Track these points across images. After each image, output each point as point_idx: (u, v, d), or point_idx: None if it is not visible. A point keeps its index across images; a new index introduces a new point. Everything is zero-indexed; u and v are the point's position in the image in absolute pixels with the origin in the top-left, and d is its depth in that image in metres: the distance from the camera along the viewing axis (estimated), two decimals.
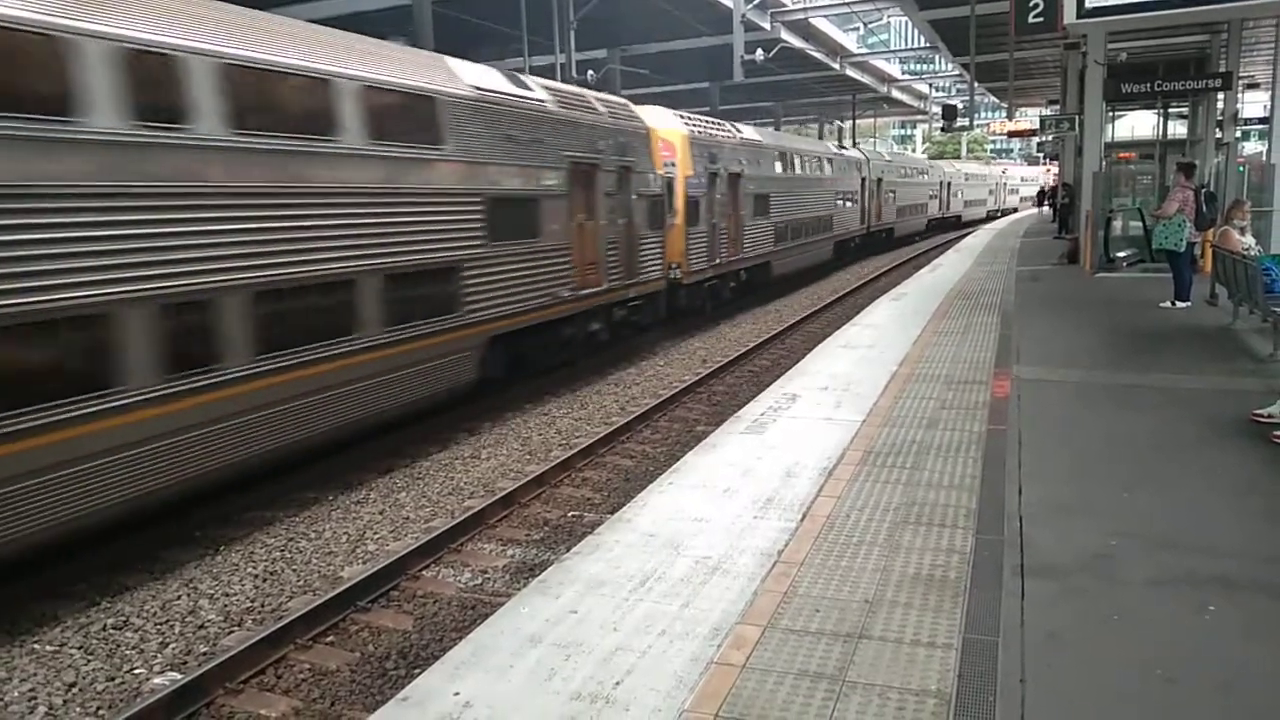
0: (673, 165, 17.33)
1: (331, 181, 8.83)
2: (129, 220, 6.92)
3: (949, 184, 49.48)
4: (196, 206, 7.44)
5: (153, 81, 7.16)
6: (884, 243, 36.94)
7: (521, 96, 12.24)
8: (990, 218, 56.28)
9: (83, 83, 6.59)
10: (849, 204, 30.94)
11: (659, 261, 16.39)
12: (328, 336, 8.80)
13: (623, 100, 16.80)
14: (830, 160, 29.24)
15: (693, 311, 18.89)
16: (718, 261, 19.47)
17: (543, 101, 12.76)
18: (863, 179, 32.60)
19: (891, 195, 37.17)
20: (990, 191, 62.76)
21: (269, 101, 8.43)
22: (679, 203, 17.44)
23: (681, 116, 18.91)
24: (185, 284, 7.32)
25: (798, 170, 25.41)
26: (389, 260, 9.47)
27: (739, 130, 21.76)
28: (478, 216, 10.95)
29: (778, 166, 23.72)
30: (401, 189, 9.73)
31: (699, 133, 18.73)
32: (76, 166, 6.58)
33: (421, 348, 10.04)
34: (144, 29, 7.13)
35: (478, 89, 11.22)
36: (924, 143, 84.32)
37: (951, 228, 48.66)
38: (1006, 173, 71.32)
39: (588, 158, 13.63)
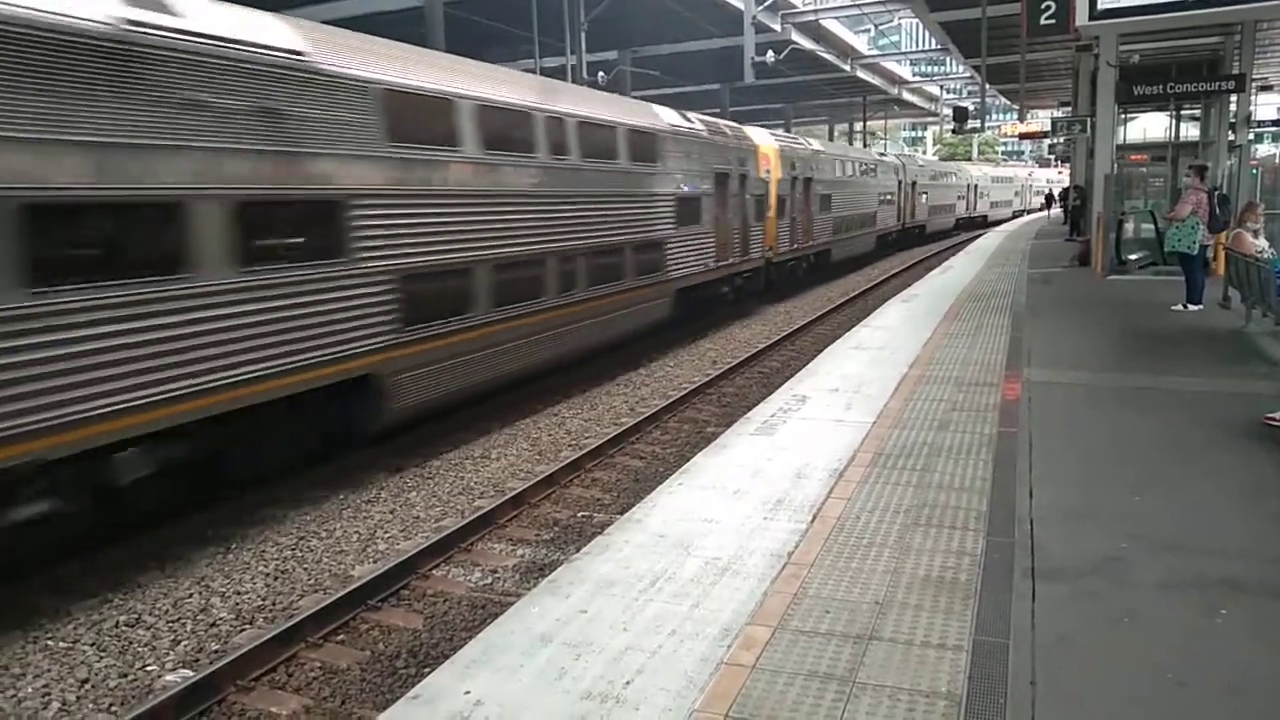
0: (768, 172, 21.45)
1: (611, 186, 14.18)
2: (491, 209, 11.08)
3: (976, 186, 53.51)
4: (535, 203, 12.07)
5: (503, 126, 11.41)
6: (917, 238, 40.67)
7: (690, 128, 17.41)
8: (1016, 216, 59.87)
9: (461, 126, 10.49)
10: (889, 204, 34.99)
11: (760, 245, 21.18)
12: (609, 280, 14.09)
13: (737, 125, 21.40)
14: (875, 166, 33.40)
15: (780, 283, 23.68)
16: (796, 247, 24.16)
17: (699, 130, 17.84)
18: (899, 182, 36.64)
19: (924, 197, 41.29)
20: (1016, 193, 66.26)
21: (591, 139, 13.49)
22: (772, 200, 21.76)
23: (774, 134, 23.95)
24: (525, 249, 11.80)
25: (850, 175, 29.44)
26: (636, 236, 14.94)
27: (810, 143, 26.78)
28: (672, 210, 16.14)
29: (837, 172, 27.85)
30: (639, 192, 15.10)
31: (785, 147, 23.36)
32: (463, 176, 10.61)
33: (649, 291, 15.48)
34: (498, 93, 11.46)
35: (671, 124, 16.54)
36: (934, 144, 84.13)
37: (978, 226, 51.17)
38: (1033, 175, 74.51)
39: (723, 168, 18.57)
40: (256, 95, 7.79)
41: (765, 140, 22.16)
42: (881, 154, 39.18)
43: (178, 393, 7.14)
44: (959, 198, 49.59)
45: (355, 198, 8.88)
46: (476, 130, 10.69)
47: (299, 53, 8.31)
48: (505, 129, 11.38)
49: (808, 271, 26.06)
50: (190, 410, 7.28)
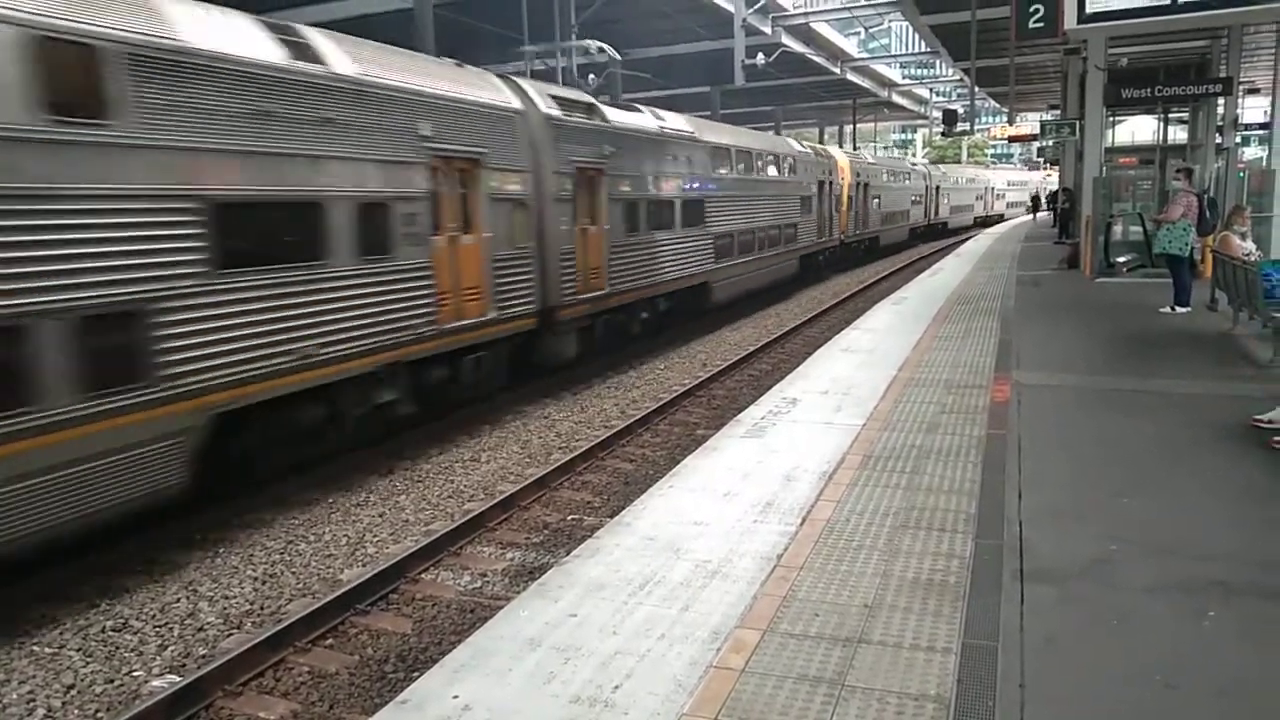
0: (842, 179, 30.01)
1: (779, 189, 23.51)
2: (731, 209, 19.93)
3: (993, 188, 62.75)
4: (744, 200, 20.72)
5: (738, 160, 20.42)
6: (940, 232, 47.89)
7: (800, 149, 26.41)
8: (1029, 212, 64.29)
9: (703, 160, 18.26)
10: (918, 203, 43.37)
11: (837, 230, 29.86)
12: (773, 247, 22.86)
13: (824, 147, 31.53)
14: (909, 173, 42.71)
15: (846, 259, 32.23)
16: (858, 232, 32.99)
17: (809, 153, 27.18)
18: (926, 186, 44.78)
19: (946, 198, 49.60)
20: (1031, 196, 68.30)
21: (767, 161, 22.89)
22: (845, 199, 30.55)
23: (845, 150, 36.66)
24: (745, 227, 20.82)
25: (893, 181, 38.34)
26: (786, 221, 24.01)
27: (866, 156, 38.63)
28: (800, 203, 25.28)
29: (884, 178, 36.64)
30: (788, 194, 24.39)
31: (852, 160, 32.86)
32: (731, 189, 20.21)
33: (789, 255, 24.53)
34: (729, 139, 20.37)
35: (799, 150, 26.11)
36: (924, 147, 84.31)
37: (995, 223, 56.57)
38: (1049, 177, 75.78)
39: (821, 178, 27.28)
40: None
41: (840, 156, 31.47)
42: (914, 164, 49.01)
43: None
44: (977, 198, 58.75)
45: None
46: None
47: (694, 135, 16.68)
48: (709, 157, 18.94)
49: (865, 251, 35.00)
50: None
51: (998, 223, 54.56)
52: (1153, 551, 4.83)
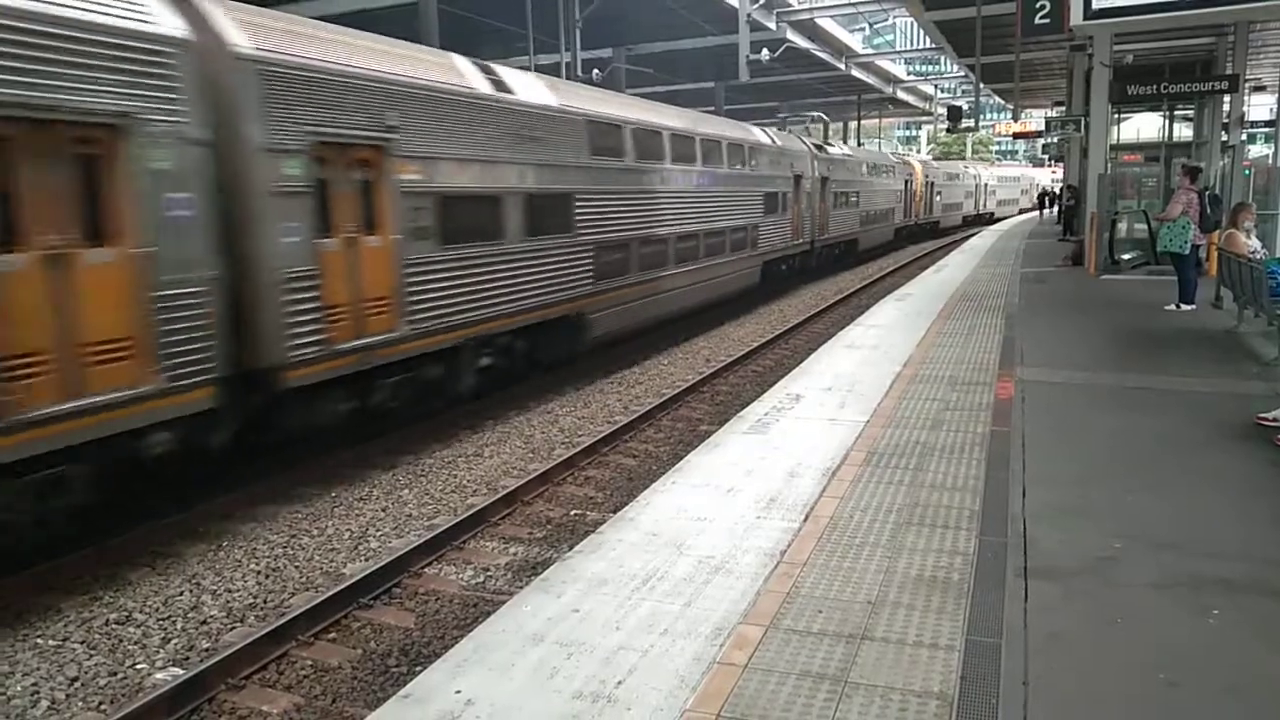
0: (914, 179, 40.89)
1: (881, 185, 35.11)
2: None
3: (1036, 182, 72.05)
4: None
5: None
6: (986, 221, 54.41)
7: (896, 161, 39.23)
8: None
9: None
10: (970, 197, 54.63)
11: (911, 215, 40.80)
12: (877, 223, 34.65)
13: (905, 155, 44.98)
14: (961, 174, 53.30)
15: (917, 233, 43.21)
16: (924, 216, 43.82)
17: (898, 162, 39.06)
18: (976, 184, 55.83)
19: (994, 193, 60.57)
20: (1040, 193, 71.85)
21: (879, 169, 35.19)
22: (918, 190, 41.70)
23: (920, 157, 50.65)
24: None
25: (949, 180, 49.54)
26: (884, 207, 35.73)
27: (934, 162, 51.55)
28: (900, 195, 38.07)
29: (943, 178, 47.86)
30: (895, 190, 37.34)
31: (922, 164, 44.47)
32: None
33: (886, 230, 36.49)
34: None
35: (895, 159, 39.48)
36: (929, 144, 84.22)
37: (987, 222, 59.39)
38: (1055, 174, 78.40)
39: (904, 176, 38.68)
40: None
41: (914, 162, 43.56)
42: (966, 165, 58.88)
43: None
44: (1023, 192, 69.00)
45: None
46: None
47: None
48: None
49: (927, 231, 44.86)
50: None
51: (989, 222, 54.49)
52: (1157, 548, 4.82)
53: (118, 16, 6.86)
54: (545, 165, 12.35)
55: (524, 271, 11.90)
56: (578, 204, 13.26)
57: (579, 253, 13.37)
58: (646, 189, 15.67)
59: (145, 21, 7.07)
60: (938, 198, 45.68)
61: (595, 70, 28.08)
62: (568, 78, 22.16)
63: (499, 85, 11.56)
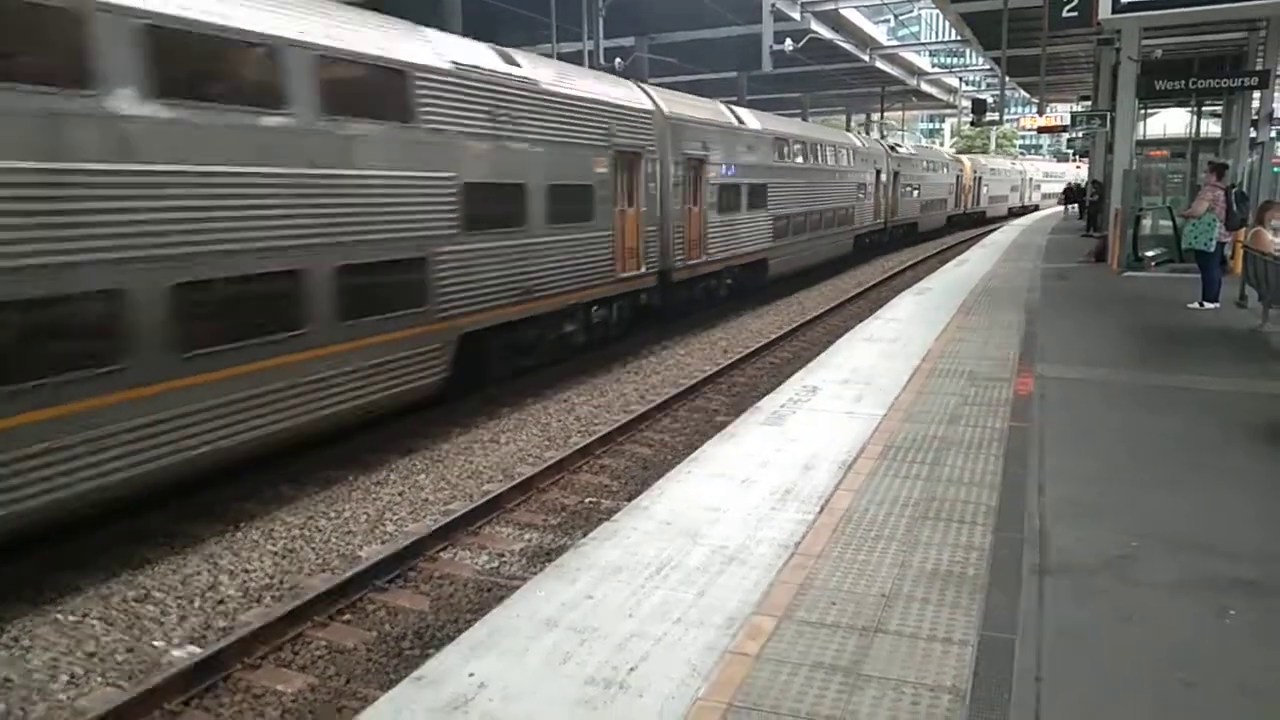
0: (965, 174, 46.33)
1: (937, 179, 42.27)
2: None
3: (980, 178, 74.31)
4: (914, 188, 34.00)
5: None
6: (1029, 211, 60.19)
7: (951, 159, 45.74)
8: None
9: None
10: (1015, 190, 62.67)
11: (960, 204, 46.21)
12: (933, 210, 41.46)
13: (957, 155, 50.23)
14: (1010, 170, 61.64)
15: (963, 223, 47.35)
16: (972, 206, 49.42)
17: (953, 160, 46.13)
18: (1021, 179, 64.52)
19: (1039, 188, 69.28)
20: (1066, 187, 73.03)
21: (935, 164, 42.83)
22: (967, 184, 47.02)
23: (970, 156, 54.53)
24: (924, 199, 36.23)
25: (994, 174, 56.25)
26: (944, 198, 43.63)
27: (979, 158, 56.94)
28: (952, 187, 44.80)
29: (990, 173, 54.51)
30: (947, 183, 44.11)
31: (972, 162, 50.11)
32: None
33: (940, 216, 43.01)
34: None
35: (950, 157, 46.43)
36: (952, 137, 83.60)
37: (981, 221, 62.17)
38: (1079, 169, 79.18)
39: (956, 173, 45.51)
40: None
41: (966, 160, 49.01)
42: (1013, 161, 67.01)
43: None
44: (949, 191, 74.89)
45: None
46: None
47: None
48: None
49: (974, 220, 49.58)
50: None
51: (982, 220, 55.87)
52: (1175, 548, 4.79)
53: (638, 103, 14.94)
54: (758, 166, 20.29)
55: (747, 230, 19.94)
56: (770, 191, 20.96)
57: (768, 222, 21.13)
58: (800, 180, 23.38)
59: (645, 104, 15.17)
60: (985, 190, 54.20)
61: (617, 59, 27.99)
62: (590, 66, 22.11)
63: (740, 120, 19.66)
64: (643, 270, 14.92)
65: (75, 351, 6.51)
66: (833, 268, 27.66)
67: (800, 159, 23.51)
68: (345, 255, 8.63)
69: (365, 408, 9.14)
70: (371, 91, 9.24)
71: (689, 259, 16.80)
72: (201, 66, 7.56)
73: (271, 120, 7.91)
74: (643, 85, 16.16)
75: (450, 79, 10.10)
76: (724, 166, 18.28)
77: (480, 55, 11.01)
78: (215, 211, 7.37)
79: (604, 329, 14.37)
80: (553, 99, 12.16)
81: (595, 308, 13.88)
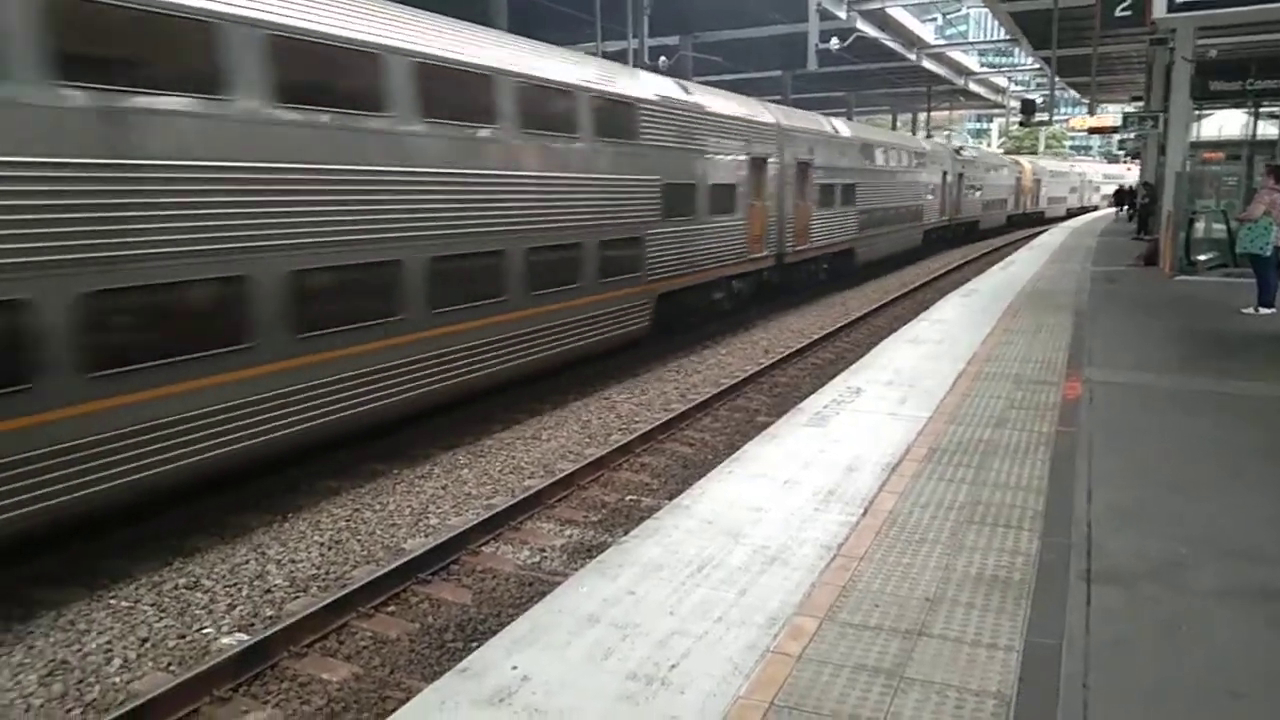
0: (1023, 177, 49.56)
1: (997, 180, 45.18)
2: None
3: (1018, 180, 76.78)
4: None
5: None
6: (1087, 211, 63.51)
7: (1009, 163, 49.02)
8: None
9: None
10: (1075, 191, 66.58)
11: (1019, 205, 49.50)
12: (993, 209, 44.25)
13: (1017, 157, 54.33)
14: (1069, 173, 64.96)
15: (1020, 222, 49.63)
16: (1031, 207, 51.94)
17: (1011, 162, 49.82)
18: (1081, 180, 68.32)
19: (1098, 189, 72.56)
20: (1117, 189, 73.71)
21: (995, 167, 46.17)
22: (1026, 185, 50.04)
23: (1029, 158, 58.56)
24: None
25: (1054, 175, 59.60)
26: (1003, 198, 46.55)
27: (1039, 161, 59.92)
28: (1011, 188, 48.01)
29: (1047, 175, 57.22)
30: (1007, 184, 47.28)
31: (1031, 164, 53.25)
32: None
33: (999, 215, 45.82)
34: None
35: (1009, 160, 50.60)
36: (1000, 137, 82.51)
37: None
38: (1130, 170, 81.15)
39: (1015, 175, 48.68)
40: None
41: (1024, 162, 52.16)
42: (1073, 164, 70.19)
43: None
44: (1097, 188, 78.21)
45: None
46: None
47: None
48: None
49: (1031, 223, 50.70)
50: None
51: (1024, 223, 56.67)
52: (1224, 556, 4.70)
53: (764, 119, 18.28)
54: (848, 168, 23.30)
55: (840, 223, 22.99)
56: (857, 190, 23.90)
57: (856, 216, 24.07)
58: (880, 181, 26.21)
59: (769, 119, 18.58)
60: (1044, 191, 57.12)
61: (661, 58, 28.00)
62: (635, 65, 22.15)
63: (835, 129, 23.00)
64: (765, 253, 18.47)
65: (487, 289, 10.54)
66: (881, 268, 27.94)
67: (881, 161, 26.43)
68: (602, 234, 12.56)
69: (610, 340, 13.06)
70: (617, 119, 13.01)
71: (797, 245, 20.06)
72: (544, 111, 11.48)
73: (577, 144, 12.06)
74: (765, 103, 19.73)
75: (656, 107, 13.96)
76: (823, 169, 21.36)
77: (669, 88, 14.95)
78: (551, 203, 11.47)
79: (739, 299, 17.99)
80: (713, 118, 15.87)
81: (734, 281, 17.42)
